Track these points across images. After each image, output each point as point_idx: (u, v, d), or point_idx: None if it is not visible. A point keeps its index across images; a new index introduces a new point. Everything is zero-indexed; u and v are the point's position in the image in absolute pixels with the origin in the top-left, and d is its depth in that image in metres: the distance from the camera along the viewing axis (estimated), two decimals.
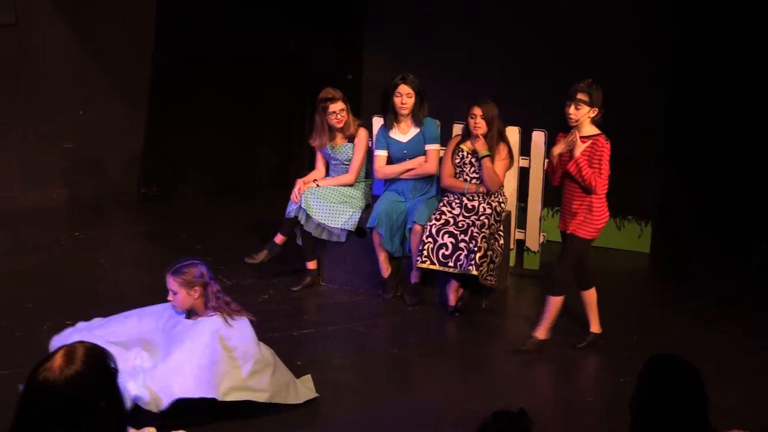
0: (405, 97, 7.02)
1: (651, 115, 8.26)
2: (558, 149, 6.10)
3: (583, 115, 5.95)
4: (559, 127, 7.88)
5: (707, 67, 8.66)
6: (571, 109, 5.96)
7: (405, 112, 7.09)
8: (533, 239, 7.74)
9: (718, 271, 7.99)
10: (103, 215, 9.22)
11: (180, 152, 9.82)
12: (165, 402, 4.96)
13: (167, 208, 9.46)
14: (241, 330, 5.27)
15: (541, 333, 6.24)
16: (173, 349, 5.17)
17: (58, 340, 5.25)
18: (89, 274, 7.56)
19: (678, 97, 8.48)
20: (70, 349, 2.77)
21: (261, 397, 5.23)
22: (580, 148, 5.99)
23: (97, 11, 9.36)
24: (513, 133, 7.33)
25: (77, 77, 9.41)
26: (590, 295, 6.35)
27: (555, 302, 6.12)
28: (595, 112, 5.97)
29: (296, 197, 7.14)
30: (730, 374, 5.89)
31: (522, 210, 7.76)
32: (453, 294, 6.89)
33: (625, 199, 8.25)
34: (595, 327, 6.38)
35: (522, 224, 7.77)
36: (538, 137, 7.53)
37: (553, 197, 8.07)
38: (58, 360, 2.73)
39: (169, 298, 5.25)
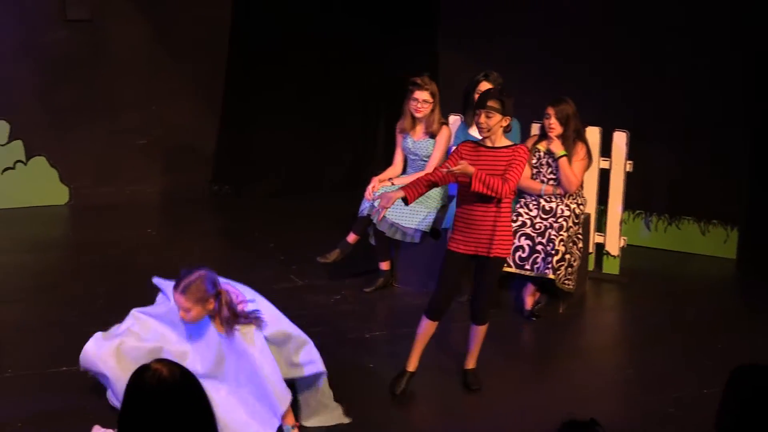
0: None
1: (736, 114, 8.12)
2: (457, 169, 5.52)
3: (495, 123, 5.43)
4: (641, 127, 7.86)
5: None
6: (482, 118, 5.43)
7: None
8: (613, 243, 7.69)
9: None
10: (175, 212, 9.37)
11: (252, 150, 9.94)
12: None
13: (239, 206, 9.58)
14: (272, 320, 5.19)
15: (471, 363, 5.88)
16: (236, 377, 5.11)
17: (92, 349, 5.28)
18: (161, 272, 7.68)
19: (766, 95, 8.34)
20: (168, 363, 2.93)
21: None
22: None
23: (172, 7, 9.52)
24: (593, 134, 7.29)
25: (151, 73, 9.58)
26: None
27: (483, 331, 5.77)
28: (507, 122, 5.50)
29: (370, 195, 7.18)
30: None
31: (602, 212, 7.71)
32: (529, 298, 6.89)
33: (710, 203, 8.15)
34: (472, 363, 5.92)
35: (602, 227, 7.72)
36: (619, 138, 7.48)
37: (634, 199, 8.03)
38: (164, 366, 2.90)
39: (181, 315, 5.01)
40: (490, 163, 5.42)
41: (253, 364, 4.98)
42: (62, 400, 5.42)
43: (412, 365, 5.71)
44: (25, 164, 9.28)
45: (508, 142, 5.52)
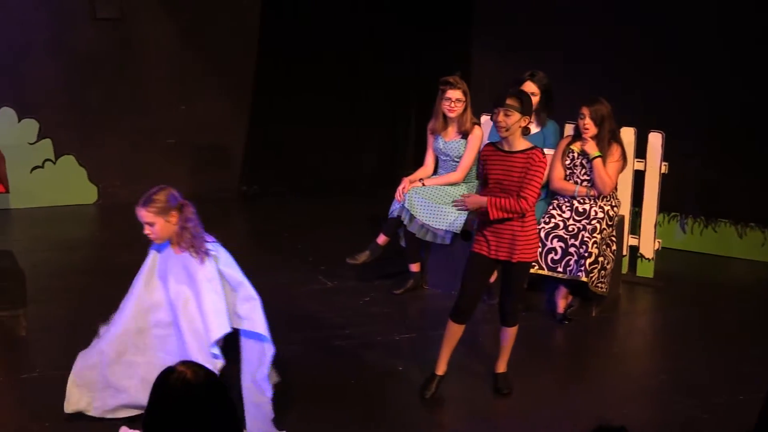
0: (529, 94, 6.99)
1: None
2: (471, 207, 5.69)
3: (513, 122, 5.32)
4: (677, 128, 7.80)
5: None
6: (501, 116, 5.29)
7: None
8: (648, 246, 7.65)
9: None
10: (203, 212, 9.33)
11: (281, 150, 9.97)
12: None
13: (268, 206, 9.61)
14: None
15: (502, 366, 5.85)
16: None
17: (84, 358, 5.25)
18: None
19: None
20: (193, 365, 2.96)
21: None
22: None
23: (201, 6, 9.58)
24: (628, 135, 7.25)
25: (181, 72, 9.64)
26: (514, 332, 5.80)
27: (513, 333, 5.76)
28: (526, 122, 5.39)
29: (400, 196, 7.17)
30: None
31: (636, 215, 7.67)
32: (562, 300, 6.86)
33: (747, 205, 8.09)
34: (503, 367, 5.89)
35: (636, 230, 7.68)
36: (655, 138, 7.44)
37: (669, 201, 7.98)
38: (188, 368, 2.93)
39: (146, 231, 5.00)
40: (507, 169, 5.36)
41: (198, 286, 4.96)
42: None
43: (441, 369, 5.70)
44: (54, 163, 9.36)
45: (526, 144, 5.41)
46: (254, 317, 5.06)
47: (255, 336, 5.06)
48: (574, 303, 6.89)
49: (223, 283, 5.02)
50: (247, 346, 5.08)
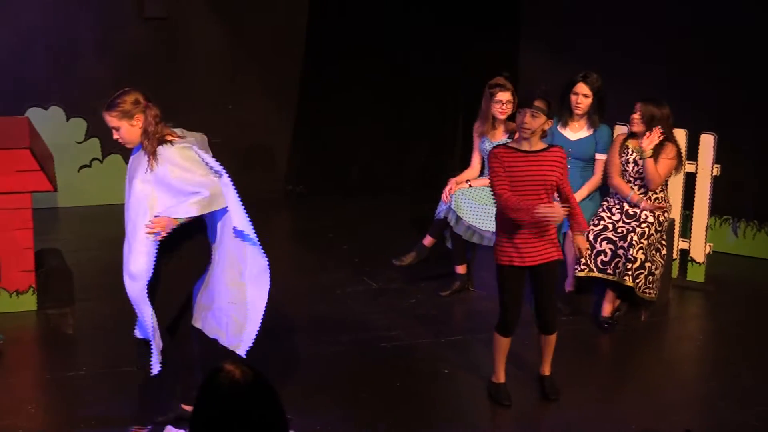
0: (581, 96, 6.98)
1: None
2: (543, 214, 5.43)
3: (538, 125, 5.30)
4: (730, 129, 7.74)
5: None
6: (527, 117, 5.26)
7: (579, 111, 7.05)
8: (699, 249, 7.59)
9: None
10: (249, 211, 9.44)
11: (327, 150, 10.01)
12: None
13: (313, 206, 9.65)
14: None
15: (547, 369, 5.84)
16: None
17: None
18: None
19: None
20: (229, 373, 2.96)
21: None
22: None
23: (248, 7, 9.64)
24: (680, 136, 7.21)
25: (227, 71, 9.71)
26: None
27: (555, 338, 5.74)
28: (550, 125, 5.40)
29: (446, 197, 7.19)
30: None
31: (687, 218, 7.62)
32: (609, 304, 6.82)
33: None
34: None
35: (686, 233, 7.63)
36: (707, 141, 7.39)
37: (721, 204, 7.91)
38: (237, 368, 2.94)
39: (115, 137, 5.05)
40: (534, 168, 5.34)
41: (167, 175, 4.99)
42: (135, 400, 5.54)
43: (502, 377, 5.70)
44: (102, 162, 9.47)
45: (543, 145, 5.43)
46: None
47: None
48: (621, 308, 6.86)
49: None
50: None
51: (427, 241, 7.28)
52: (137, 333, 5.17)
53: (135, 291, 4.96)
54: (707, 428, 5.45)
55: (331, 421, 5.32)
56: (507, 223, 5.39)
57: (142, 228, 4.93)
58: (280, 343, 6.41)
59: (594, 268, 6.71)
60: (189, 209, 4.93)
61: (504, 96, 7.11)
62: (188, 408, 5.04)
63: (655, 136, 6.78)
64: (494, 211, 7.05)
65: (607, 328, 6.74)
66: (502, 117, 7.16)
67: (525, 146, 5.36)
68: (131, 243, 4.99)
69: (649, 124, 6.79)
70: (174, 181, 4.97)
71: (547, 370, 5.80)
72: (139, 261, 4.94)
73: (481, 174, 7.43)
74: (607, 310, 6.81)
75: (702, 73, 8.20)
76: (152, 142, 5.04)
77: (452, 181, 7.29)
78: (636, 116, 6.83)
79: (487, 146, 7.30)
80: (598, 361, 6.53)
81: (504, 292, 5.53)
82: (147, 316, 4.97)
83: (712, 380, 6.16)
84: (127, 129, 5.04)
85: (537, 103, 5.28)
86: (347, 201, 9.74)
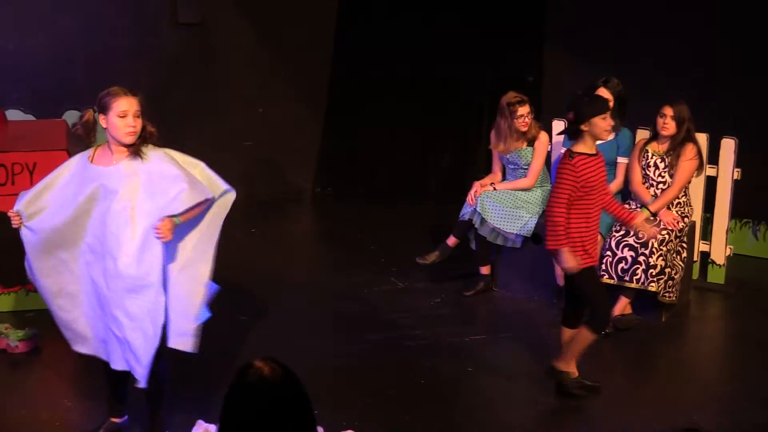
0: None
1: None
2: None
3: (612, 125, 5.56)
4: (751, 133, 7.68)
5: None
6: (609, 120, 5.42)
7: None
8: (719, 252, 7.55)
9: None
10: (278, 212, 9.52)
11: (355, 153, 10.03)
12: None
13: (341, 208, 9.67)
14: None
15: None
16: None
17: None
18: (263, 271, 7.82)
19: None
20: (258, 369, 2.96)
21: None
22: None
23: (278, 12, 9.68)
24: (701, 140, 7.16)
25: (257, 76, 9.75)
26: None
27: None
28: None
29: (472, 200, 7.19)
30: None
31: (708, 221, 7.58)
32: (617, 309, 6.73)
33: None
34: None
35: (707, 236, 7.59)
36: (728, 145, 7.35)
37: (742, 207, 7.86)
38: (266, 365, 2.94)
39: (132, 124, 4.85)
40: (601, 170, 5.49)
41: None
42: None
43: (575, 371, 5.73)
44: None
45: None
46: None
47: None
48: (628, 316, 6.76)
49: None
50: None
51: (451, 241, 7.30)
52: (116, 366, 4.92)
53: (148, 302, 4.77)
54: (726, 428, 5.42)
55: (356, 416, 5.33)
56: (575, 229, 5.42)
57: (132, 239, 4.73)
58: (309, 340, 6.43)
59: (614, 275, 6.66)
60: (181, 203, 4.81)
61: (524, 110, 7.13)
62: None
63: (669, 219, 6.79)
64: (519, 214, 7.11)
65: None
66: (525, 129, 7.17)
67: (593, 149, 5.45)
68: (125, 256, 4.73)
69: (681, 125, 6.76)
70: (160, 174, 4.88)
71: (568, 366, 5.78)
72: (153, 268, 4.76)
73: (504, 179, 7.44)
74: (615, 310, 6.73)
75: (724, 77, 8.15)
76: (150, 139, 5.01)
77: (477, 184, 7.29)
78: (667, 120, 6.77)
79: (507, 155, 7.30)
80: (618, 360, 6.50)
81: (594, 292, 5.57)
82: (157, 326, 4.81)
83: (732, 381, 6.12)
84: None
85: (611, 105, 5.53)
86: (374, 203, 9.75)
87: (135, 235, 4.73)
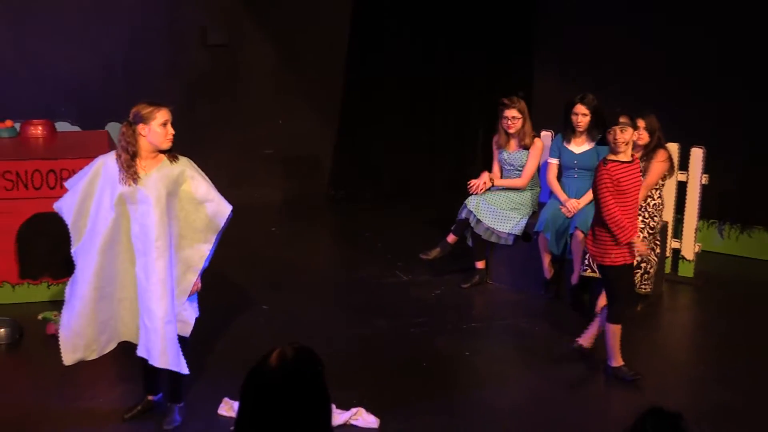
0: (580, 116, 6.95)
1: None
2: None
3: (629, 137, 5.46)
4: (716, 141, 7.65)
5: None
6: (618, 134, 5.42)
7: (580, 128, 7.02)
8: (689, 248, 7.54)
9: None
10: (296, 213, 9.51)
11: (365, 161, 10.02)
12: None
13: (353, 209, 9.66)
14: None
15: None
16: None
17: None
18: (282, 264, 7.82)
19: None
20: (282, 350, 2.87)
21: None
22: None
23: (297, 34, 9.68)
24: (673, 149, 7.15)
25: (278, 91, 9.75)
26: None
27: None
28: (636, 136, 5.66)
29: (482, 187, 7.19)
30: None
31: (679, 221, 7.57)
32: (603, 301, 6.71)
33: None
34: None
35: (678, 234, 7.58)
36: (697, 153, 7.34)
37: (709, 209, 7.84)
38: (291, 348, 2.86)
39: (170, 132, 4.83)
40: (636, 176, 5.51)
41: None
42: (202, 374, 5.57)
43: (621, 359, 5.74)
44: None
45: (636, 154, 5.75)
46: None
47: None
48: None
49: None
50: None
51: (450, 238, 7.29)
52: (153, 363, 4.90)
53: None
54: (697, 405, 5.41)
55: (366, 394, 5.33)
56: (624, 224, 5.43)
57: (158, 269, 4.77)
58: (323, 327, 6.43)
59: (596, 270, 6.64)
60: (207, 244, 5.17)
61: (509, 113, 7.13)
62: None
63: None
64: (510, 215, 7.10)
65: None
66: (510, 131, 7.17)
67: (624, 157, 5.45)
68: (159, 287, 4.77)
69: (652, 134, 6.75)
70: (194, 189, 4.98)
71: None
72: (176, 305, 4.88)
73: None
74: (599, 305, 6.71)
75: (697, 91, 8.11)
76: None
77: (486, 174, 7.27)
78: (641, 130, 6.73)
79: (505, 156, 7.30)
80: (599, 346, 6.47)
81: (626, 288, 5.63)
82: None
83: (701, 364, 6.12)
84: None
85: (622, 120, 5.42)
86: (382, 204, 9.74)
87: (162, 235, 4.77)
